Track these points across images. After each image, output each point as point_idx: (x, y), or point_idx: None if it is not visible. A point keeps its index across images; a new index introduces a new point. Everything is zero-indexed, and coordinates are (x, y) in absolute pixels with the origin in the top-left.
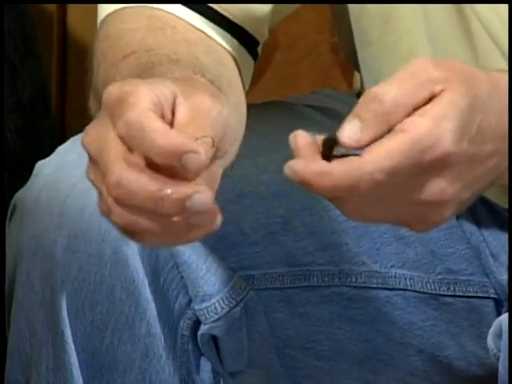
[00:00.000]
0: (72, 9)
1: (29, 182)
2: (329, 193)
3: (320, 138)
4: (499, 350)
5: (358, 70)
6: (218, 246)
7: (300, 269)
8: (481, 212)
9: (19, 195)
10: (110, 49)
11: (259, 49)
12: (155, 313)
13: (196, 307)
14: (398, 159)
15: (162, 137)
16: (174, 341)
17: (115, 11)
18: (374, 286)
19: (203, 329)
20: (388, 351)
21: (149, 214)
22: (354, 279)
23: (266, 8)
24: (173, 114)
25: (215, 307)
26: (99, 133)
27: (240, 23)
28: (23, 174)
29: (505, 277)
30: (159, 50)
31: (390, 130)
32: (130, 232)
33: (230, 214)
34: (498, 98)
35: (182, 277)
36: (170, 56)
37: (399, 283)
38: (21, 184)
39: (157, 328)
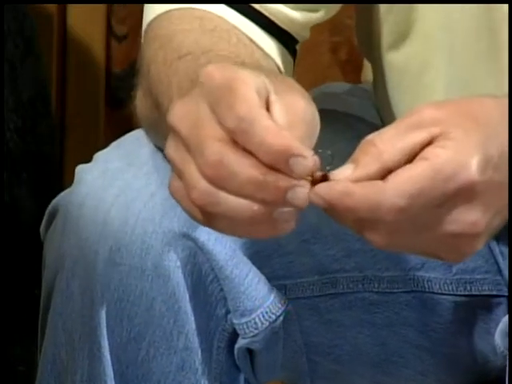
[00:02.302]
0: (72, 9)
1: (71, 188)
2: (349, 213)
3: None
4: (506, 349)
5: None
6: (256, 256)
7: (327, 276)
8: None
9: (61, 200)
10: (160, 50)
11: (298, 46)
12: (194, 326)
13: (235, 321)
14: (419, 185)
15: (273, 135)
16: (209, 353)
17: (163, 13)
18: (396, 290)
19: (241, 343)
20: (402, 353)
21: (237, 199)
22: (376, 285)
23: (317, 15)
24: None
25: (255, 322)
26: (192, 110)
27: (286, 28)
28: (21, 174)
29: None
30: (219, 52)
31: (386, 171)
32: (205, 214)
33: None
34: (504, 121)
35: (222, 289)
36: (233, 58)
37: (417, 285)
38: (18, 184)
39: (195, 342)
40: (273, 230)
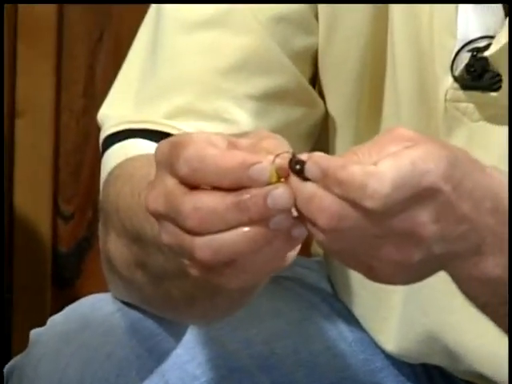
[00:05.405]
0: (18, 188)
1: (27, 350)
2: (339, 187)
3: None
4: None
5: None
6: None
7: None
8: (438, 381)
9: (17, 362)
10: (125, 185)
11: None
12: None
13: None
14: (403, 177)
15: (223, 159)
16: None
17: (123, 161)
18: None
19: None
20: None
21: (233, 230)
22: None
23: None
24: None
25: None
26: (160, 188)
27: None
28: None
29: None
30: None
31: None
32: (219, 266)
33: None
34: (471, 163)
35: None
36: None
37: None
38: None
39: None
40: (287, 242)
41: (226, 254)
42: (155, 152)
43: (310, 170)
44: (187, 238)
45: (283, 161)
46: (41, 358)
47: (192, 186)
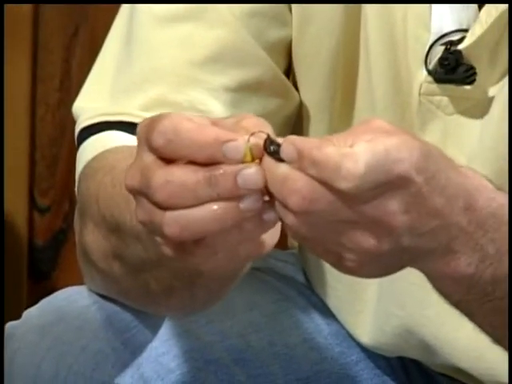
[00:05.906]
0: None
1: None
2: (314, 167)
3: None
4: None
5: None
6: None
7: None
8: (414, 374)
9: None
10: (106, 176)
11: None
12: None
13: None
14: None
15: (198, 133)
16: None
17: (99, 154)
18: None
19: None
20: None
21: (202, 206)
22: None
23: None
24: None
25: None
26: (138, 164)
27: None
28: None
29: None
30: None
31: None
32: (190, 245)
33: (199, 381)
34: (444, 160)
35: None
36: None
37: None
38: None
39: None
40: (258, 225)
41: (194, 231)
42: (137, 130)
43: (285, 150)
44: (158, 213)
45: (259, 140)
46: (16, 351)
47: (168, 161)
